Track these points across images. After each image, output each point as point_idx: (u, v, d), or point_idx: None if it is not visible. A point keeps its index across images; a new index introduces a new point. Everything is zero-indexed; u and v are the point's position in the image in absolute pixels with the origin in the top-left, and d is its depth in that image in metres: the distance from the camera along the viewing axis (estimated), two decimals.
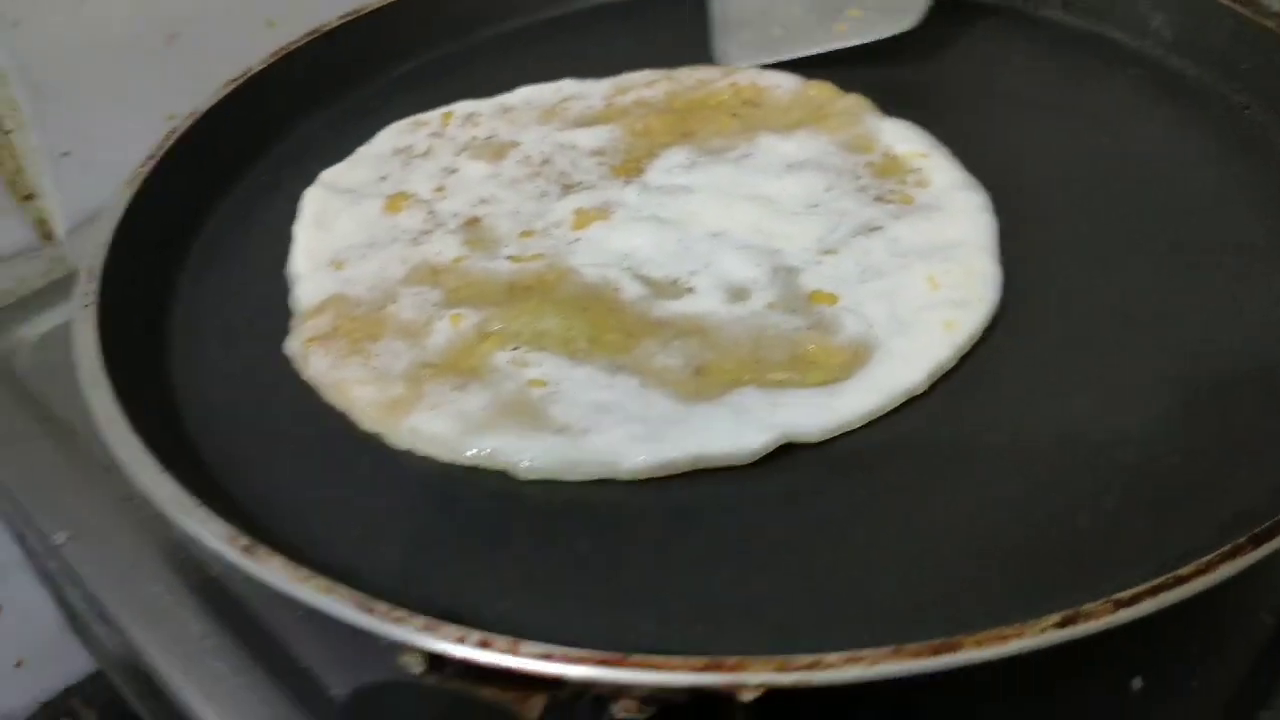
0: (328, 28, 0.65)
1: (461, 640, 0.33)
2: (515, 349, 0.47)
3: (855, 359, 0.45)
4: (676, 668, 0.31)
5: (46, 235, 0.68)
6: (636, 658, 0.32)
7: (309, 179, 0.58)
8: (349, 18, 0.66)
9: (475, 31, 0.70)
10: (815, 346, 0.46)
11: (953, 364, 0.45)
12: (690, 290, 0.49)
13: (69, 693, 0.79)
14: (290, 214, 0.56)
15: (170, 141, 0.56)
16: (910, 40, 0.62)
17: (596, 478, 0.42)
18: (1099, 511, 0.39)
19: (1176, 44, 0.62)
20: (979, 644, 0.31)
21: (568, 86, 0.63)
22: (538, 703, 0.32)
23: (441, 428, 0.44)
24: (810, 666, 0.31)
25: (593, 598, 0.39)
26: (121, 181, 0.54)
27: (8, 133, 0.64)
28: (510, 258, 0.52)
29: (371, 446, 0.45)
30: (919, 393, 0.44)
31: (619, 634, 0.36)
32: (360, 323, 0.49)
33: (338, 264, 0.52)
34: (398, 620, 0.33)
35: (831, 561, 0.39)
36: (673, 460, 0.42)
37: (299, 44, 0.64)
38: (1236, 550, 0.33)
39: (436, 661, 0.33)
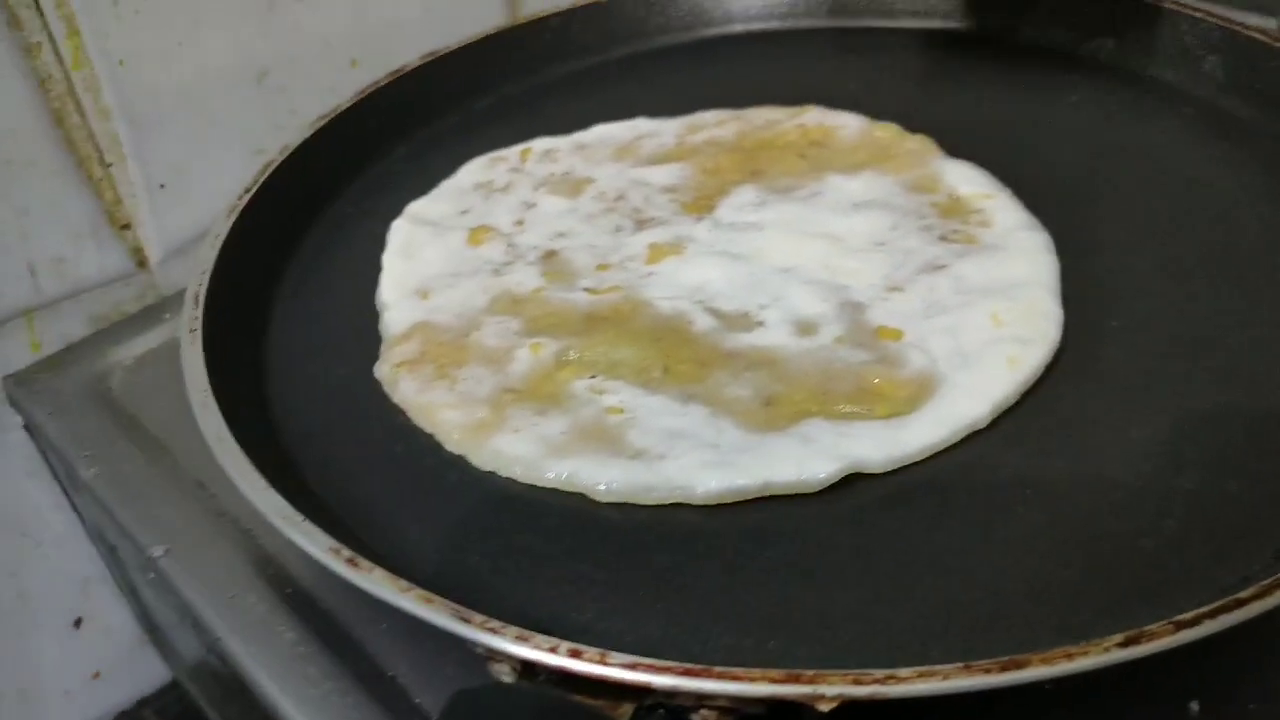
0: (409, 67, 0.68)
1: (554, 650, 0.34)
2: (593, 377, 0.48)
3: (920, 392, 0.46)
4: (757, 679, 0.33)
5: (141, 263, 0.71)
6: (719, 669, 0.33)
7: (393, 210, 0.61)
8: (429, 58, 0.69)
9: (548, 70, 0.73)
10: (881, 380, 0.47)
11: (1015, 399, 0.46)
12: (760, 324, 0.50)
13: (142, 704, 0.82)
14: (376, 243, 0.59)
15: (265, 175, 0.59)
16: (967, 82, 0.63)
17: (671, 501, 0.44)
18: (1160, 535, 0.40)
19: (1228, 85, 0.63)
20: (1046, 661, 0.32)
21: (641, 125, 0.65)
22: (627, 709, 0.34)
23: (523, 450, 0.46)
24: (884, 680, 0.32)
25: (670, 611, 0.40)
26: (217, 212, 0.56)
27: (108, 166, 0.67)
28: (587, 289, 0.54)
29: (457, 466, 0.47)
30: (982, 426, 0.45)
31: (696, 646, 0.38)
32: (446, 349, 0.51)
33: (423, 293, 0.54)
34: (493, 630, 0.35)
35: (898, 582, 0.40)
36: (743, 487, 0.43)
37: (383, 83, 0.67)
38: None
39: (528, 669, 0.35)
